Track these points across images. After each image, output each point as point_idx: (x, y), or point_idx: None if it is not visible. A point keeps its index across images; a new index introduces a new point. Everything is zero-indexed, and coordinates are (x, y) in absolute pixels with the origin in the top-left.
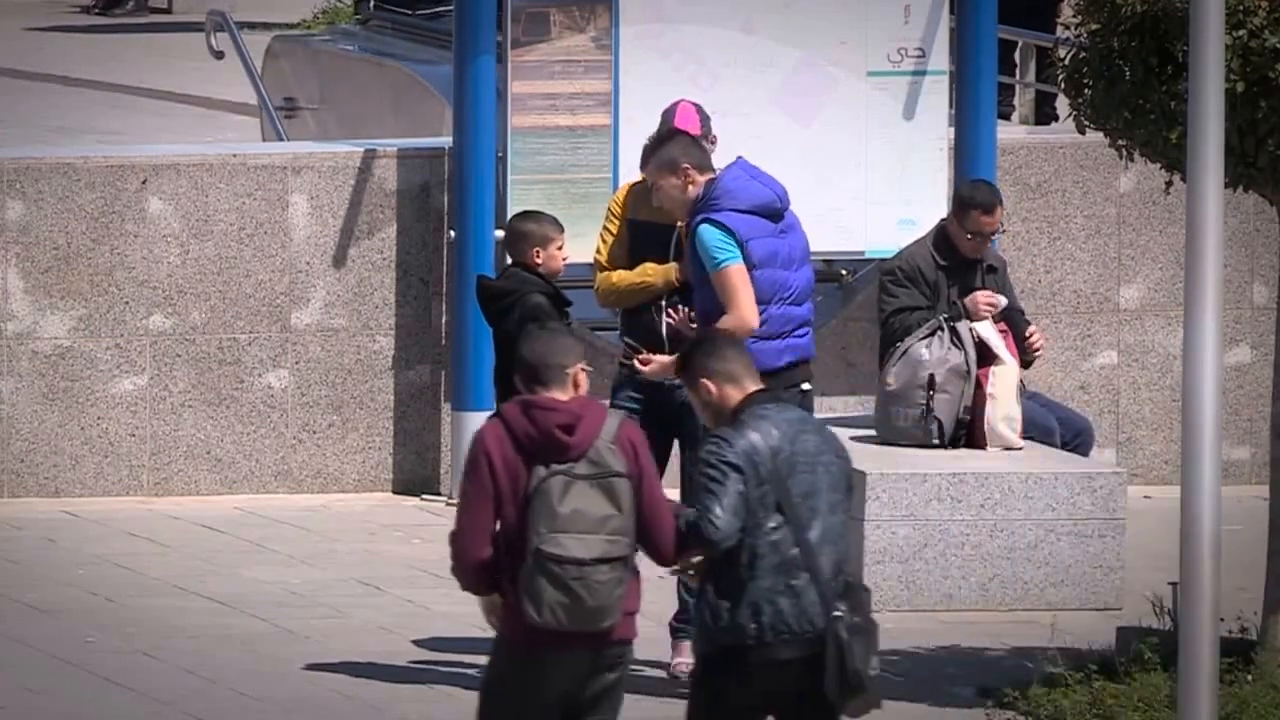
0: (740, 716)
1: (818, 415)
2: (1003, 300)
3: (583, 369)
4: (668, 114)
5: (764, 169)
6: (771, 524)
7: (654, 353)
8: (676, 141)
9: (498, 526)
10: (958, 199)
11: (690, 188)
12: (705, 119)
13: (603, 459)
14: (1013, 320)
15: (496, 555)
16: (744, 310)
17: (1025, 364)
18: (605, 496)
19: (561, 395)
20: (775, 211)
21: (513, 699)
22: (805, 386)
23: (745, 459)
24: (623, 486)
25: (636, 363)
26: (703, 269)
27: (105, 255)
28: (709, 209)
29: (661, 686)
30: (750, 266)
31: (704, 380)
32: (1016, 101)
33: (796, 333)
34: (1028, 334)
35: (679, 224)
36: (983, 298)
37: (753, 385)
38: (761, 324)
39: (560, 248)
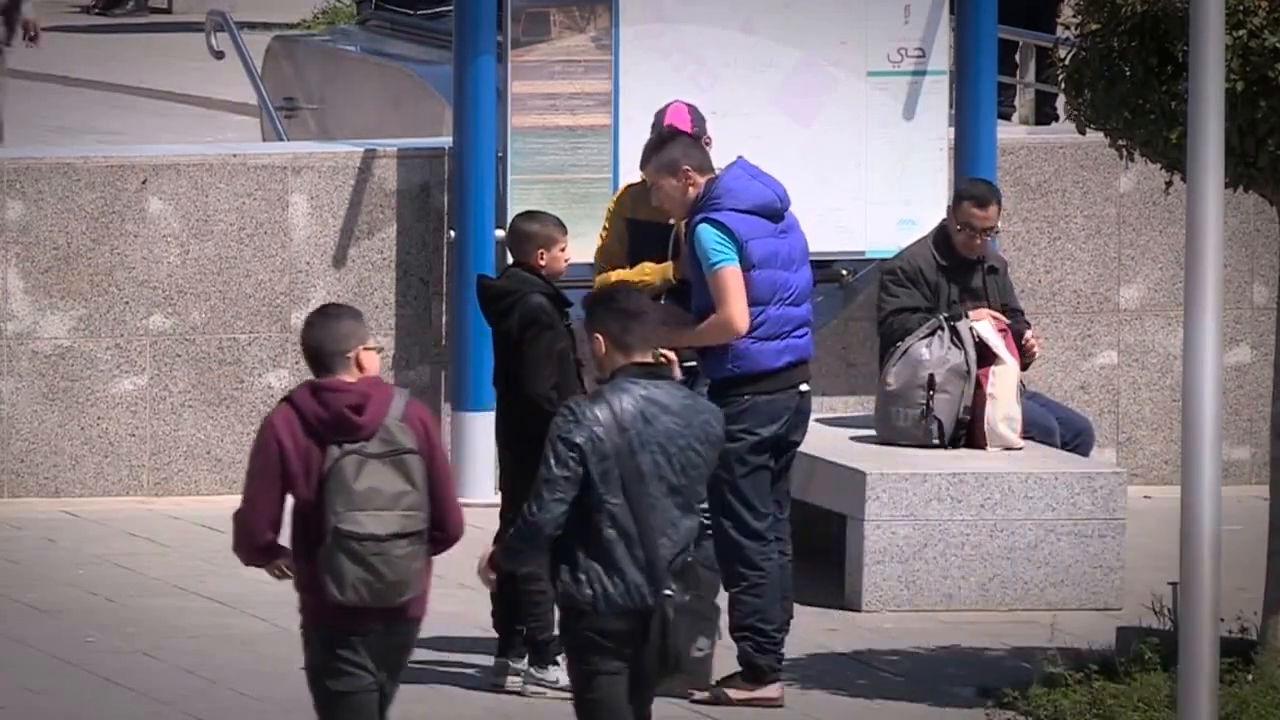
0: (597, 664)
1: (817, 415)
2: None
3: (365, 349)
4: (660, 115)
5: (764, 169)
6: (612, 498)
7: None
8: (678, 142)
9: (292, 508)
10: (954, 192)
11: (690, 189)
12: (700, 120)
13: (393, 436)
14: (1013, 320)
15: (299, 535)
16: (733, 312)
17: (1022, 366)
18: (398, 473)
19: (347, 377)
20: (776, 212)
21: (344, 683)
22: (803, 387)
23: (586, 434)
24: (414, 463)
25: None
26: (700, 268)
27: (105, 255)
28: (709, 208)
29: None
30: (750, 266)
31: (598, 335)
32: (1017, 101)
33: (795, 333)
34: (1024, 340)
35: (677, 222)
36: (989, 317)
37: (640, 358)
38: (761, 324)
39: (564, 249)
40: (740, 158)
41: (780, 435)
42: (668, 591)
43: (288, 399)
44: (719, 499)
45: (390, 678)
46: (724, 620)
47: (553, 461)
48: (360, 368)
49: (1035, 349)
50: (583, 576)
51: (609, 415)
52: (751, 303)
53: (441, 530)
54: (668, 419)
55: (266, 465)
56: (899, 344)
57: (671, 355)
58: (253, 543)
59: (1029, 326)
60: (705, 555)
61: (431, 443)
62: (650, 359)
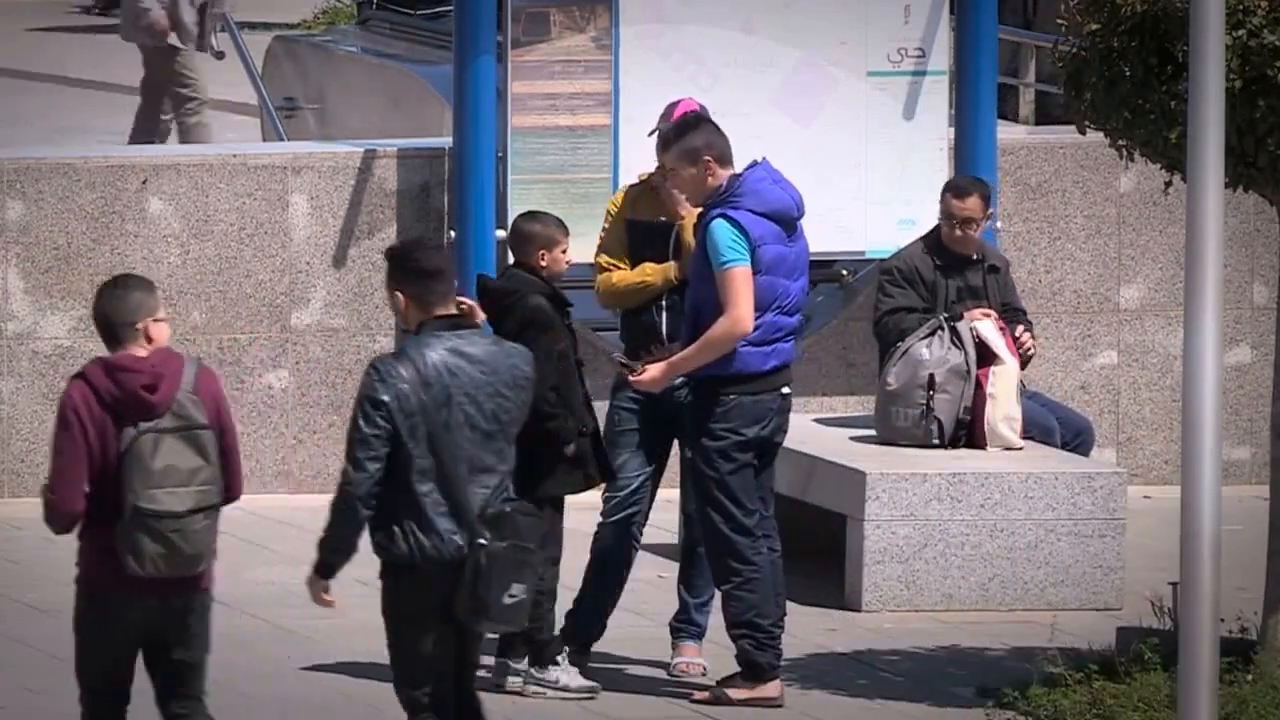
0: (414, 621)
1: (817, 415)
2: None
3: (155, 320)
4: (670, 109)
5: (780, 172)
6: (420, 453)
7: (652, 350)
8: (701, 130)
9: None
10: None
11: (710, 179)
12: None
13: (186, 411)
14: (1013, 319)
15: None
16: (741, 313)
17: (1021, 363)
18: (192, 449)
19: (139, 351)
20: (790, 220)
21: (102, 638)
22: (785, 390)
23: (392, 392)
24: (208, 438)
25: (630, 377)
26: (706, 262)
27: (105, 255)
28: (728, 204)
29: (662, 686)
30: (757, 271)
31: (398, 293)
32: (1020, 101)
33: (784, 340)
34: (1017, 334)
35: (679, 222)
36: (978, 312)
37: (440, 311)
38: (756, 329)
39: (565, 250)
40: (765, 159)
41: (764, 437)
42: (481, 540)
43: (82, 375)
44: (706, 496)
45: (184, 645)
46: (720, 619)
47: (362, 422)
48: (149, 339)
49: (1028, 344)
50: (398, 532)
51: (413, 372)
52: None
53: (229, 491)
54: (474, 368)
55: (72, 442)
56: (899, 344)
57: (472, 303)
58: (67, 514)
59: (1030, 326)
60: (523, 504)
61: (221, 412)
62: (453, 310)
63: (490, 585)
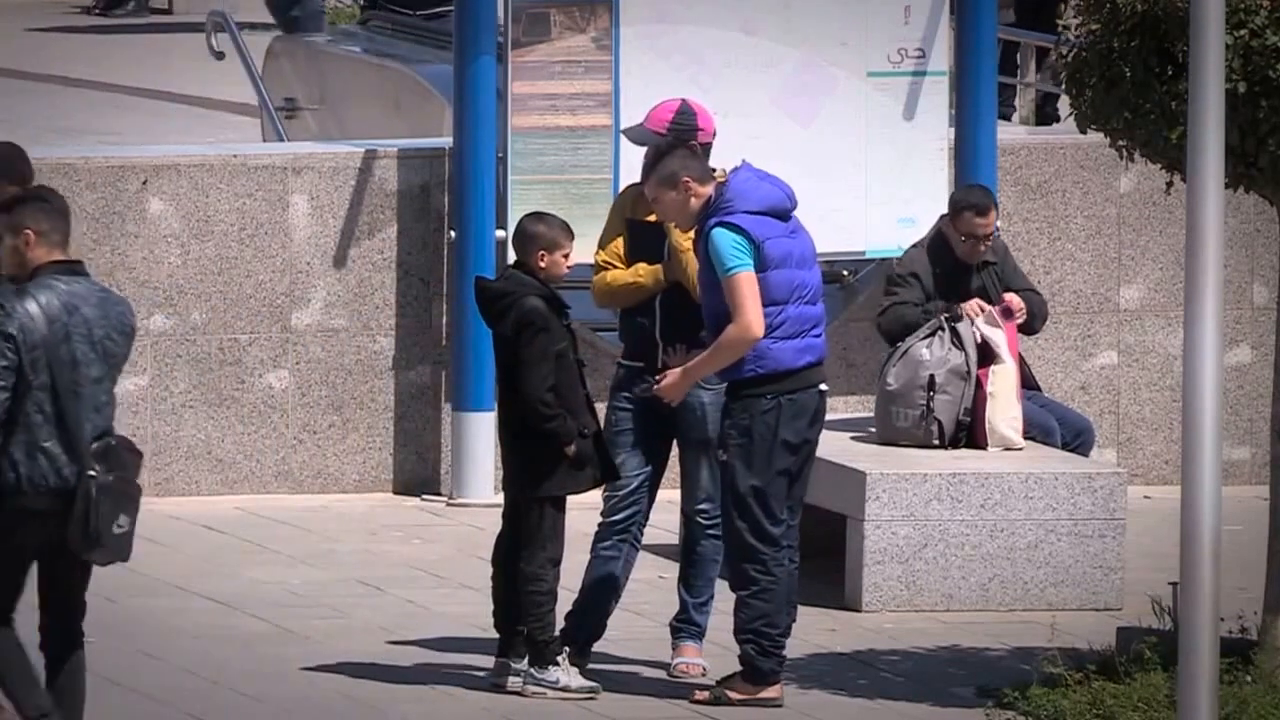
0: (16, 548)
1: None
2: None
3: None
4: (686, 113)
5: (765, 169)
6: (39, 386)
7: (647, 348)
8: (675, 155)
9: None
10: (952, 203)
11: (693, 200)
12: (689, 114)
13: None
14: (1029, 301)
15: None
16: (750, 318)
17: (1029, 331)
18: None
19: None
20: (785, 212)
21: None
22: (823, 387)
23: (17, 325)
24: None
25: (653, 389)
26: (713, 272)
27: (106, 255)
28: (721, 212)
29: (661, 686)
30: (768, 267)
31: (29, 230)
32: (1017, 102)
33: (813, 332)
34: (1005, 298)
35: (668, 224)
36: (974, 304)
37: (61, 255)
38: (781, 324)
39: (567, 255)
40: (745, 161)
41: (805, 438)
42: (91, 472)
43: None
44: (736, 501)
45: None
46: (720, 620)
47: None
48: None
49: (1017, 304)
50: (6, 462)
51: (37, 308)
52: (771, 303)
53: None
54: (89, 310)
55: None
56: (899, 344)
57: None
58: None
59: (1031, 296)
60: (124, 438)
61: None
62: (71, 257)
63: (101, 516)
